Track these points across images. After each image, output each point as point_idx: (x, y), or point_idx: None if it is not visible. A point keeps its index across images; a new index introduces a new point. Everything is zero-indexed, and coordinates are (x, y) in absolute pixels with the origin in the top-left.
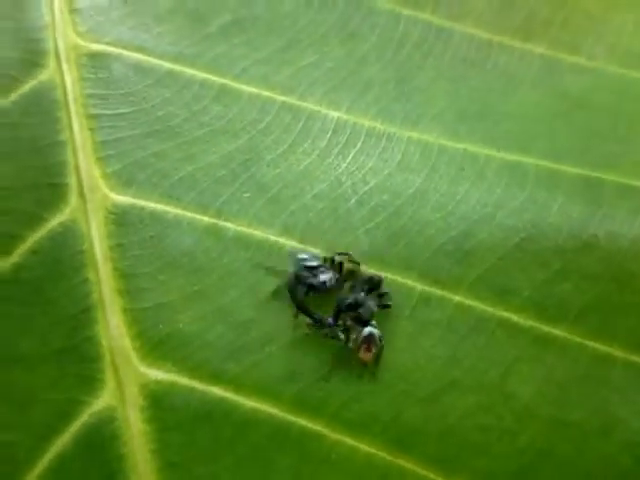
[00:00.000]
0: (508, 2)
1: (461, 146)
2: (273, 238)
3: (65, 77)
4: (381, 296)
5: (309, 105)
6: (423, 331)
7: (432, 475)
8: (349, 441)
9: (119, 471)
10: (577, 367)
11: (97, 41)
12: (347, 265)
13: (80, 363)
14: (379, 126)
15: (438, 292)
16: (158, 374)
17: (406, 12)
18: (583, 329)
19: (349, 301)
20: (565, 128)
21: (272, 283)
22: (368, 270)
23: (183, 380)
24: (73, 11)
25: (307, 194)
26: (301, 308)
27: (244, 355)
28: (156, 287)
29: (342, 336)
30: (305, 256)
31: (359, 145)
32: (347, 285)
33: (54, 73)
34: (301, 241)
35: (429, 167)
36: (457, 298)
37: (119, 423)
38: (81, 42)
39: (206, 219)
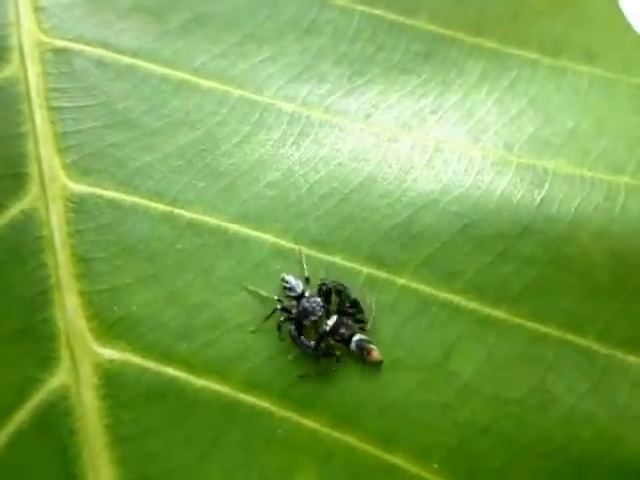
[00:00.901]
0: None
1: (411, 137)
2: (226, 224)
3: (28, 72)
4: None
5: (265, 98)
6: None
7: (374, 449)
8: (295, 417)
9: (72, 445)
10: (516, 346)
11: (60, 37)
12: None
13: (37, 343)
14: (332, 118)
15: (383, 275)
16: (112, 354)
17: (360, 8)
18: (522, 310)
19: (329, 329)
20: (514, 119)
21: (223, 268)
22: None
23: (136, 359)
24: (37, 9)
25: (260, 182)
26: (295, 341)
27: (196, 336)
28: (112, 271)
29: (328, 354)
30: (290, 283)
31: (312, 136)
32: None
33: (18, 68)
34: (254, 227)
35: (379, 157)
36: (402, 281)
37: (73, 400)
38: (45, 38)
39: (162, 207)
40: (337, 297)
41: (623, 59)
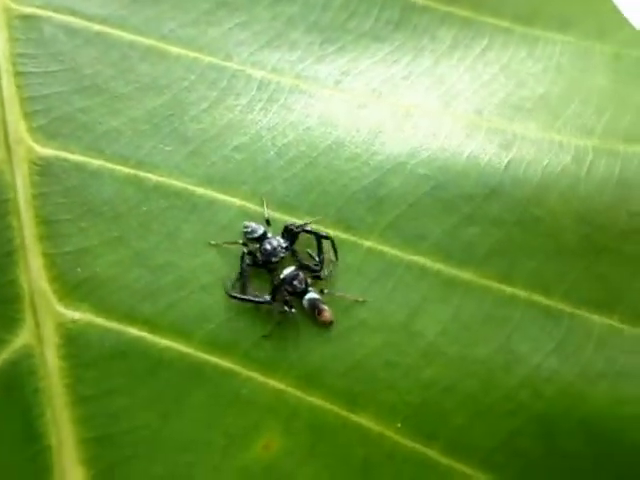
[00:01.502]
0: None
1: (381, 103)
2: (192, 187)
3: None
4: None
5: (234, 65)
6: (334, 275)
7: (338, 409)
8: (260, 378)
9: (35, 404)
10: (482, 307)
11: (28, 4)
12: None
13: (1, 304)
14: (302, 84)
15: (350, 238)
16: (75, 314)
17: None
18: (488, 272)
19: (283, 277)
20: (485, 84)
21: (189, 230)
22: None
23: (99, 320)
24: None
25: (228, 147)
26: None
27: (159, 297)
28: (76, 233)
29: (283, 309)
30: (249, 228)
31: (281, 101)
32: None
33: None
34: (220, 190)
35: (348, 122)
36: (368, 243)
37: (36, 359)
38: (12, 5)
39: (127, 170)
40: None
41: (597, 27)
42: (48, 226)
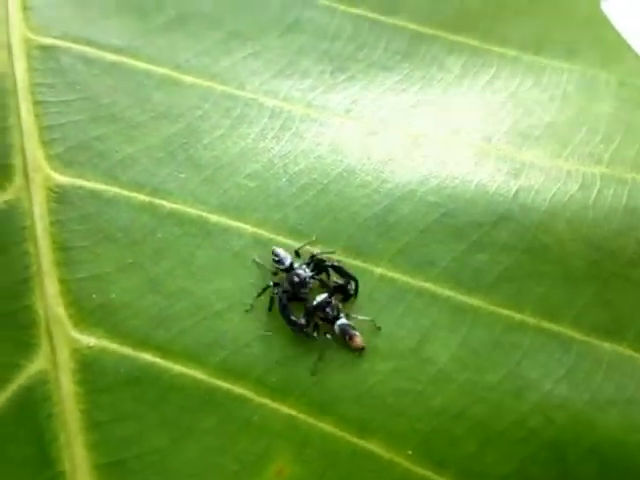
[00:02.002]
0: None
1: (391, 131)
2: (206, 214)
3: (15, 68)
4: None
5: (247, 94)
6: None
7: (350, 436)
8: (272, 404)
9: (49, 429)
10: (491, 333)
11: (47, 35)
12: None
13: (17, 329)
14: (313, 113)
15: (361, 264)
16: (90, 340)
17: (341, 7)
18: (497, 298)
19: (316, 304)
20: (493, 112)
21: (203, 257)
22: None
23: (113, 346)
24: (26, 8)
25: (241, 174)
26: (285, 317)
27: (173, 323)
28: (92, 259)
29: (315, 334)
30: (278, 257)
31: (293, 130)
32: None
33: (6, 64)
34: (233, 217)
35: (358, 150)
36: (379, 270)
37: (51, 385)
38: (32, 36)
39: (142, 197)
40: (324, 271)
41: (602, 56)
42: (64, 253)
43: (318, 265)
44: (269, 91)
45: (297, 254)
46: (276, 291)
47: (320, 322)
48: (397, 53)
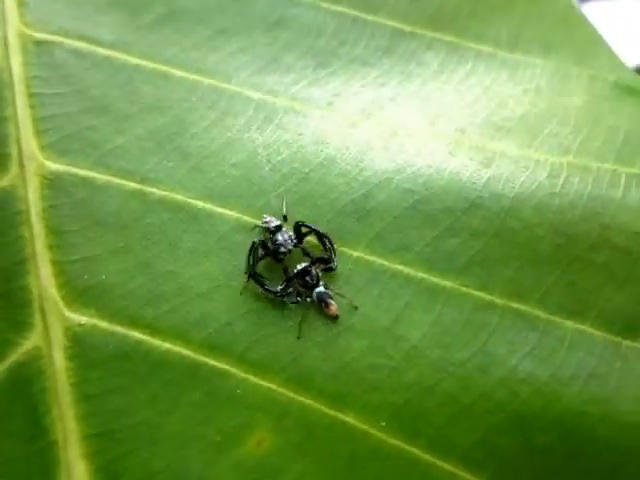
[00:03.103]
0: None
1: (370, 122)
2: (193, 201)
3: (11, 61)
4: (327, 262)
5: (233, 87)
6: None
7: (326, 409)
8: (253, 379)
9: (42, 402)
10: (462, 313)
11: (42, 30)
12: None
13: (13, 309)
14: (296, 105)
15: (339, 248)
16: (81, 319)
17: (324, 4)
18: (468, 280)
19: (296, 271)
20: (468, 105)
21: (189, 240)
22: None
23: (104, 324)
24: (21, 4)
25: (226, 163)
26: (252, 276)
27: (161, 302)
28: (83, 243)
29: (296, 300)
30: (267, 219)
31: (276, 121)
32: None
33: (2, 58)
34: (218, 204)
35: (339, 140)
36: (356, 254)
37: (44, 360)
38: (27, 31)
39: (132, 184)
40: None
41: (575, 52)
42: (57, 236)
43: (302, 232)
44: (254, 84)
45: (285, 219)
46: (259, 252)
47: (300, 289)
48: (378, 49)
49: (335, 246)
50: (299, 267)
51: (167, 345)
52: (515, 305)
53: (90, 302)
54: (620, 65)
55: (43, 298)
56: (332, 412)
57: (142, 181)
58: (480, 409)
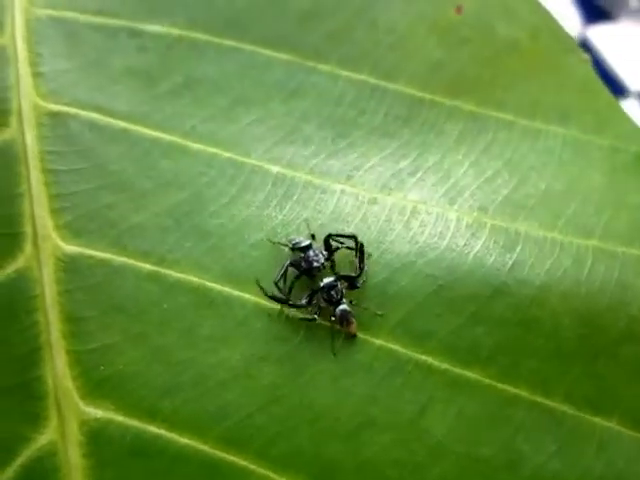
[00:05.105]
0: (439, 62)
1: (390, 199)
2: (210, 284)
3: (26, 135)
4: (353, 279)
5: (252, 160)
6: (346, 372)
7: None
8: (273, 476)
9: None
10: (486, 407)
11: (56, 102)
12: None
13: (27, 401)
14: (315, 180)
15: (361, 335)
16: (97, 412)
17: (344, 73)
18: (492, 371)
19: (322, 285)
20: (490, 180)
21: (207, 326)
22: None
23: (120, 418)
24: (36, 74)
25: (245, 243)
26: (275, 296)
27: (178, 393)
28: (99, 330)
29: (315, 316)
30: (296, 240)
31: (295, 197)
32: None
33: (16, 132)
34: (236, 287)
35: (359, 218)
36: (378, 341)
37: (60, 457)
38: (42, 103)
39: (148, 266)
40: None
41: (595, 120)
42: (72, 323)
43: (330, 246)
44: (273, 158)
45: (313, 237)
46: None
47: (323, 304)
48: (398, 119)
49: (365, 262)
50: (326, 281)
51: (185, 440)
52: (541, 399)
53: (106, 394)
54: None
55: (58, 390)
56: None
57: (159, 262)
58: None
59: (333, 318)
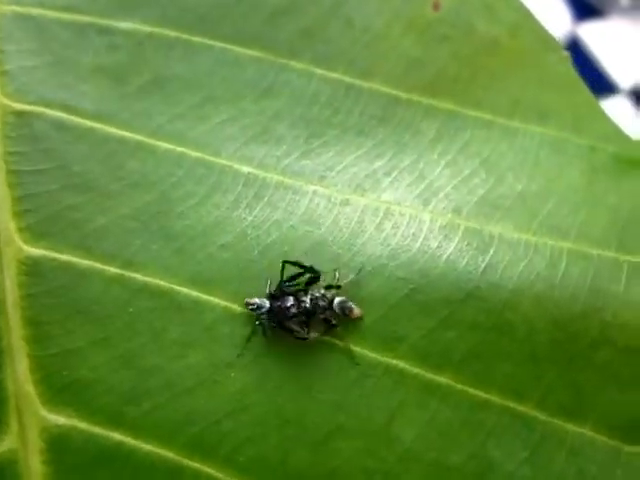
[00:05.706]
0: (416, 61)
1: (364, 200)
2: (178, 287)
3: None
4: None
5: (222, 160)
6: (314, 378)
7: None
8: None
9: None
10: (458, 412)
11: (21, 100)
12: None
13: None
14: (287, 180)
15: (330, 340)
16: (59, 419)
17: (319, 71)
18: (464, 376)
19: (309, 305)
20: (465, 180)
21: (174, 331)
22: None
23: (82, 425)
24: (1, 73)
25: (214, 245)
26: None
27: (144, 400)
28: (63, 334)
29: (307, 335)
30: (255, 303)
31: (266, 198)
32: None
33: None
34: (205, 290)
35: (331, 220)
36: (348, 345)
37: (20, 465)
38: (7, 102)
39: (114, 269)
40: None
41: (574, 119)
42: (35, 327)
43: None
44: (244, 158)
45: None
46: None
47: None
48: (373, 118)
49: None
50: (307, 300)
51: (149, 447)
52: (513, 405)
53: (69, 400)
54: (620, 134)
55: (19, 396)
56: None
57: (125, 265)
58: None
59: (333, 318)
